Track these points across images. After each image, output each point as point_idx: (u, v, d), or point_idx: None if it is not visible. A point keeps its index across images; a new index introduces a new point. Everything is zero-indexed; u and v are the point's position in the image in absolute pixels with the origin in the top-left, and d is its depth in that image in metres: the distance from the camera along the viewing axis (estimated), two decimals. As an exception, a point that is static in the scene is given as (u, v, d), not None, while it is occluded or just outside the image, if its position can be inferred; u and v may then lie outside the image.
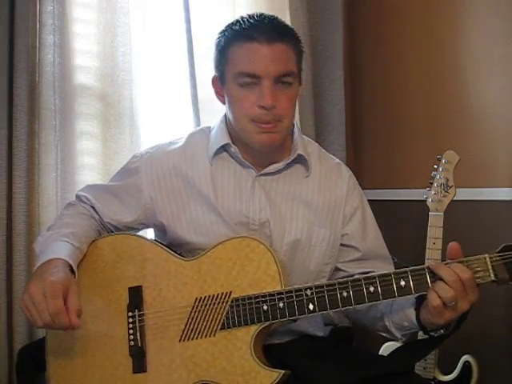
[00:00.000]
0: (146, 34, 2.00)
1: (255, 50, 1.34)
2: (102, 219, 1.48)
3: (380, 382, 1.29)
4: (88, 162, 1.89)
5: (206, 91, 2.04)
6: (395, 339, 1.45)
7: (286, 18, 2.16)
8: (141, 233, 1.53)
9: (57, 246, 1.31)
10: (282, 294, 1.26)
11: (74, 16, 1.84)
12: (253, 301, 1.27)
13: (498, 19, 2.05)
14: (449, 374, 1.91)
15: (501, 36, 2.04)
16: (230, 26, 1.41)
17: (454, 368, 1.91)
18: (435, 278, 1.21)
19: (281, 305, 1.26)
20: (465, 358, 1.90)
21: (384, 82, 2.43)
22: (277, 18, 1.42)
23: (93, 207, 1.49)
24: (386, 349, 1.99)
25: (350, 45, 2.48)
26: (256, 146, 1.41)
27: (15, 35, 1.71)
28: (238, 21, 1.40)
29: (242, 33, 1.37)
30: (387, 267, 1.47)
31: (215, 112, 2.04)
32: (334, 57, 2.32)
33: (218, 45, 1.42)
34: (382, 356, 1.76)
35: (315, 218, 1.46)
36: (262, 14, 1.40)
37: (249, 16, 1.39)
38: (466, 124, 2.15)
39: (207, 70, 2.05)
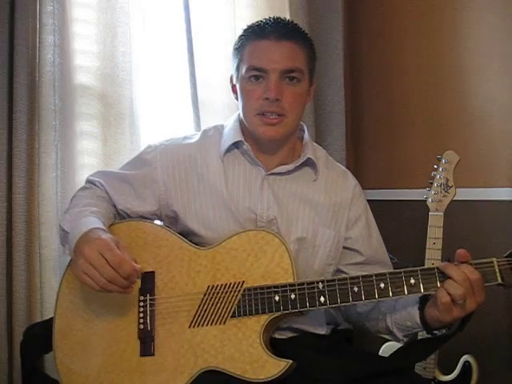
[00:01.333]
0: (145, 34, 2.00)
1: (265, 47, 1.41)
2: (116, 206, 1.49)
3: (380, 381, 1.30)
4: (88, 162, 1.88)
5: (206, 91, 2.05)
6: (397, 340, 1.46)
7: (286, 19, 2.15)
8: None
9: (89, 221, 1.33)
10: (293, 285, 1.29)
11: (74, 16, 1.84)
12: (265, 291, 1.29)
13: (498, 19, 2.05)
14: (449, 374, 1.91)
15: (501, 36, 2.04)
16: (247, 28, 1.48)
17: (454, 368, 1.91)
18: (444, 277, 1.23)
19: (292, 296, 1.28)
20: (465, 357, 1.90)
21: (384, 82, 2.43)
22: (293, 22, 1.49)
23: (107, 193, 1.50)
24: (386, 349, 1.98)
25: (349, 45, 2.48)
26: (261, 138, 1.45)
27: (15, 35, 1.71)
28: (255, 23, 1.47)
29: (256, 32, 1.44)
30: None
31: (215, 112, 2.06)
32: (334, 57, 2.32)
33: (235, 44, 1.48)
34: (383, 356, 1.76)
35: (320, 219, 1.48)
36: (278, 18, 1.47)
37: (266, 19, 1.46)
38: (466, 124, 2.14)
39: (207, 69, 2.06)
